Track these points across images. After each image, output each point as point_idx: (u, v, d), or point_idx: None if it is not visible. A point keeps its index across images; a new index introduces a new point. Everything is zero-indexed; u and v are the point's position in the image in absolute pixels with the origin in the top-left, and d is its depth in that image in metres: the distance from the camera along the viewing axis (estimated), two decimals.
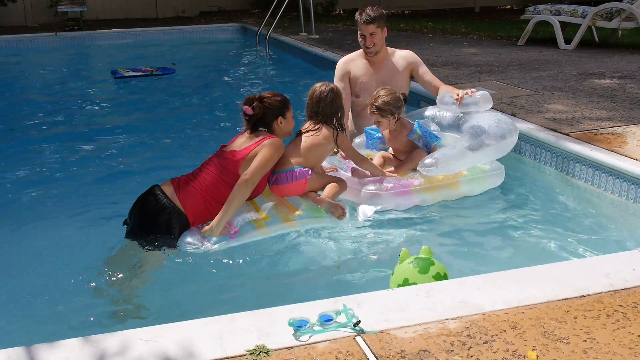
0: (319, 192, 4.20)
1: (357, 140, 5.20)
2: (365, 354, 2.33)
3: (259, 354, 2.33)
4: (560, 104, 6.14)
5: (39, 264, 3.90)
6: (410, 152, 4.72)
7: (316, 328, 2.47)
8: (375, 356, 2.32)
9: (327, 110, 4.27)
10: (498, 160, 4.71)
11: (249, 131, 4.09)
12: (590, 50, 9.82)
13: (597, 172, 4.57)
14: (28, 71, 11.55)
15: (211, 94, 9.01)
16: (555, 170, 4.93)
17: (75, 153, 6.26)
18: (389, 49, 5.51)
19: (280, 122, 4.13)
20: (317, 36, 12.48)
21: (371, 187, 4.37)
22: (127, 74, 10.09)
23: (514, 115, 5.64)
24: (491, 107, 4.91)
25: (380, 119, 4.65)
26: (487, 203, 4.64)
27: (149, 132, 6.95)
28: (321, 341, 2.41)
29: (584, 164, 4.68)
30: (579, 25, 10.04)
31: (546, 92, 6.70)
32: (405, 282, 3.10)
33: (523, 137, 5.25)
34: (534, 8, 10.86)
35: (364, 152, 4.87)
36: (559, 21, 10.28)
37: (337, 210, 4.07)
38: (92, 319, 3.30)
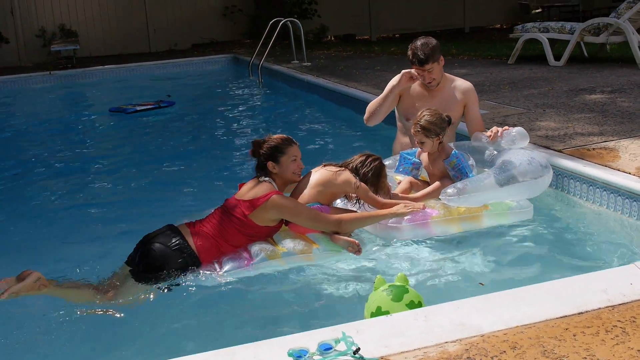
0: None
1: (387, 162, 5.03)
2: None
3: None
4: (552, 121, 6.18)
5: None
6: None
7: (316, 357, 2.47)
8: None
9: (366, 173, 4.25)
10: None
11: (253, 180, 4.10)
12: (579, 66, 9.90)
13: (591, 187, 4.60)
14: (24, 110, 11.62)
15: (206, 127, 9.08)
16: (550, 187, 4.95)
17: (76, 192, 6.33)
18: (449, 76, 5.27)
19: (273, 168, 4.08)
20: (309, 63, 12.57)
21: (387, 220, 4.26)
22: (136, 109, 10.15)
23: None
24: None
25: (425, 139, 4.53)
26: None
27: (147, 168, 6.98)
28: None
29: (577, 180, 4.71)
30: (568, 41, 10.13)
31: (538, 110, 6.74)
32: (378, 310, 3.08)
33: None
34: (523, 26, 10.97)
35: (393, 175, 4.82)
36: (548, 38, 10.37)
37: (353, 247, 4.01)
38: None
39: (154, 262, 3.81)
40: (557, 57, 10.19)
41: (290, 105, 10.32)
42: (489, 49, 13.44)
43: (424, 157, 4.73)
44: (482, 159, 4.85)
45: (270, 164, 4.07)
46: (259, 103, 10.90)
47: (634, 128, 5.69)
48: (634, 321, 2.65)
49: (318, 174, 4.23)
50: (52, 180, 6.78)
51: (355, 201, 4.32)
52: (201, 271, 3.85)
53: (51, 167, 7.33)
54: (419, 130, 4.53)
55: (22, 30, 16.64)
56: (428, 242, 4.32)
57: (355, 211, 4.27)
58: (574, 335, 2.57)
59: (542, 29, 10.54)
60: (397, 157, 4.98)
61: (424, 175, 4.85)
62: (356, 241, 4.04)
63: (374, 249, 4.23)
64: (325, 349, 2.50)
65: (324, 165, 4.29)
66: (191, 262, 3.85)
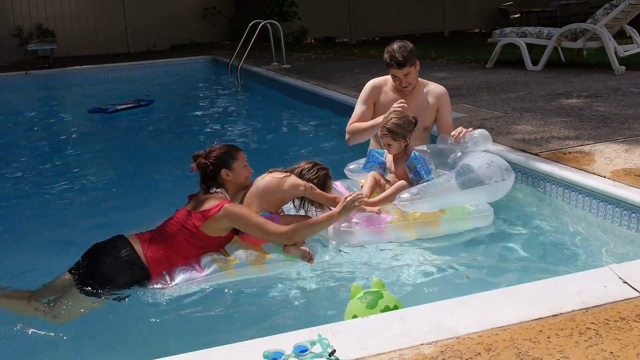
0: None
1: (351, 166, 5.08)
2: None
3: None
4: (529, 125, 6.23)
5: None
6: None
7: (292, 359, 2.46)
8: None
9: (311, 180, 4.16)
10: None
11: (202, 191, 4.02)
12: (557, 71, 9.99)
13: (567, 190, 4.63)
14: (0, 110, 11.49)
15: (184, 128, 9.03)
16: (526, 190, 4.99)
17: (46, 190, 6.26)
18: (422, 80, 5.21)
19: (227, 175, 4.02)
20: (289, 66, 12.57)
21: (340, 224, 4.22)
22: (117, 108, 10.09)
23: None
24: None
25: (392, 142, 4.53)
26: None
27: (121, 168, 6.93)
28: None
29: (554, 183, 4.74)
30: (545, 46, 10.22)
31: (515, 114, 6.79)
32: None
33: None
34: (501, 31, 11.04)
35: (360, 174, 4.80)
36: (526, 43, 10.46)
37: (305, 256, 3.96)
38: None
39: (102, 273, 3.71)
40: (535, 62, 10.27)
41: (269, 107, 10.31)
42: (468, 53, 13.52)
43: (389, 158, 4.73)
44: (447, 161, 4.81)
45: (224, 172, 4.01)
46: (237, 105, 10.88)
47: (610, 132, 5.75)
48: (607, 324, 2.68)
49: (264, 182, 4.14)
50: (23, 182, 6.71)
51: (301, 205, 4.22)
52: (151, 285, 3.75)
53: (24, 169, 7.25)
54: (386, 133, 4.54)
55: None
56: (405, 245, 4.33)
57: (305, 216, 4.19)
58: (548, 338, 2.59)
59: (520, 34, 10.62)
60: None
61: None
62: (307, 249, 3.99)
63: (348, 252, 4.23)
64: (301, 350, 2.50)
65: (269, 172, 4.22)
66: (140, 274, 3.76)
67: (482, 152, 4.70)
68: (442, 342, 2.58)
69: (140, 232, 3.99)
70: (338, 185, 4.80)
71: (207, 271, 3.81)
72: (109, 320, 3.61)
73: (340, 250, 4.22)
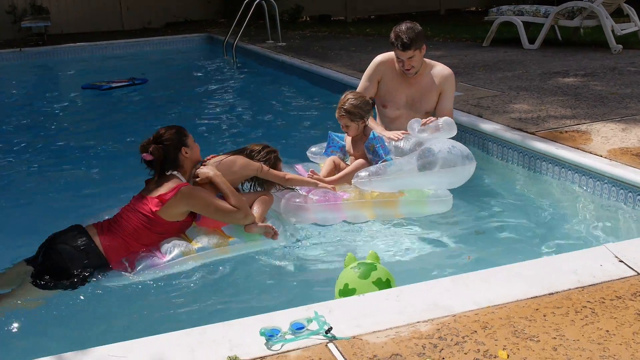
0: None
1: (313, 148, 5.05)
2: None
3: None
4: (525, 104, 6.21)
5: None
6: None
7: (288, 337, 2.47)
8: None
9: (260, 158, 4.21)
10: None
11: (157, 176, 3.92)
12: (553, 49, 9.95)
13: (563, 169, 4.63)
14: None
15: (179, 106, 8.98)
16: (523, 169, 4.98)
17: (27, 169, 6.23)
18: (429, 62, 5.10)
19: (186, 153, 3.96)
20: (284, 43, 12.49)
21: (296, 200, 4.19)
22: (111, 85, 10.03)
23: (481, 117, 5.70)
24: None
25: (349, 123, 4.54)
26: (456, 203, 4.66)
27: (108, 149, 6.86)
28: (293, 350, 2.40)
29: (550, 162, 4.74)
30: (542, 24, 10.17)
31: (512, 92, 6.77)
32: (346, 287, 3.09)
33: (490, 138, 5.32)
34: (497, 9, 10.98)
35: (322, 158, 4.76)
36: (522, 21, 10.40)
37: (268, 232, 3.93)
38: None
39: (58, 263, 3.62)
40: (532, 40, 10.22)
41: (264, 85, 10.25)
42: (464, 31, 13.45)
43: (348, 140, 4.70)
44: (409, 147, 4.69)
45: (183, 150, 3.94)
46: (233, 83, 10.81)
47: (606, 111, 5.74)
48: (603, 302, 2.68)
49: (213, 165, 4.07)
50: (15, 160, 6.66)
51: (251, 188, 4.24)
52: (111, 273, 3.67)
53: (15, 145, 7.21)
54: (343, 115, 4.51)
55: None
56: (402, 222, 4.34)
57: (258, 192, 4.20)
58: (544, 316, 2.59)
59: (517, 12, 10.56)
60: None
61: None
62: (270, 225, 3.95)
63: (346, 228, 4.23)
64: (297, 328, 2.51)
65: (209, 158, 4.17)
66: (98, 262, 3.68)
67: (448, 139, 4.56)
68: (439, 320, 2.58)
69: (98, 221, 3.91)
70: (299, 168, 4.76)
71: (168, 257, 3.73)
72: (71, 306, 3.52)
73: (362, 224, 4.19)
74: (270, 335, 2.45)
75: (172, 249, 3.76)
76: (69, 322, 3.42)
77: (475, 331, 2.50)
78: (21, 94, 10.75)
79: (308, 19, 19.12)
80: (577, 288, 2.81)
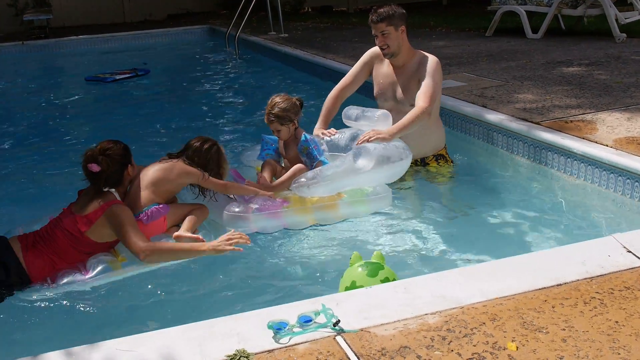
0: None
1: (247, 152, 4.97)
2: (346, 353, 2.33)
3: (239, 358, 2.31)
4: (530, 94, 6.18)
5: None
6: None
7: (296, 330, 2.46)
8: (356, 355, 2.31)
9: (206, 162, 4.00)
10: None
11: (92, 190, 3.65)
12: (557, 39, 9.90)
13: (569, 159, 4.61)
14: None
15: (182, 98, 8.96)
16: (528, 159, 4.97)
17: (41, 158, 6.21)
18: (419, 53, 4.93)
19: (129, 172, 3.77)
20: (286, 35, 12.44)
21: (235, 209, 4.04)
22: (115, 77, 10.02)
23: (485, 107, 5.68)
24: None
25: (280, 127, 4.41)
26: (461, 195, 4.66)
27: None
28: (301, 343, 2.40)
29: (556, 152, 4.72)
30: (545, 14, 10.11)
31: (516, 82, 6.74)
32: (353, 285, 3.07)
33: (495, 128, 5.29)
34: None
35: (256, 162, 4.67)
36: (526, 11, 10.35)
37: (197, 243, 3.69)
38: None
39: None
40: (535, 30, 10.17)
41: (267, 76, 10.22)
42: (467, 21, 13.39)
43: (281, 144, 4.62)
44: (344, 144, 4.65)
45: (129, 167, 3.76)
46: (235, 74, 10.78)
47: (611, 101, 5.71)
48: (611, 293, 2.67)
49: (150, 172, 3.89)
50: (20, 151, 6.65)
51: (199, 193, 4.06)
52: (31, 288, 3.48)
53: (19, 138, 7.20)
54: (273, 120, 4.41)
55: None
56: (405, 218, 4.33)
57: (196, 204, 4.01)
58: (553, 307, 2.58)
59: (520, 1, 10.50)
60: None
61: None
62: (199, 236, 3.76)
63: (352, 225, 4.21)
64: (305, 321, 2.50)
65: (160, 161, 4.01)
66: (18, 280, 3.46)
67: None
68: (447, 312, 2.58)
69: (24, 232, 3.70)
70: (235, 173, 4.55)
71: (91, 273, 3.53)
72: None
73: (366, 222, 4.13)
74: (278, 329, 2.45)
75: (98, 264, 3.56)
76: (70, 318, 3.42)
77: (484, 323, 2.49)
78: (24, 87, 10.72)
79: (310, 10, 19.05)
80: (585, 279, 2.79)
